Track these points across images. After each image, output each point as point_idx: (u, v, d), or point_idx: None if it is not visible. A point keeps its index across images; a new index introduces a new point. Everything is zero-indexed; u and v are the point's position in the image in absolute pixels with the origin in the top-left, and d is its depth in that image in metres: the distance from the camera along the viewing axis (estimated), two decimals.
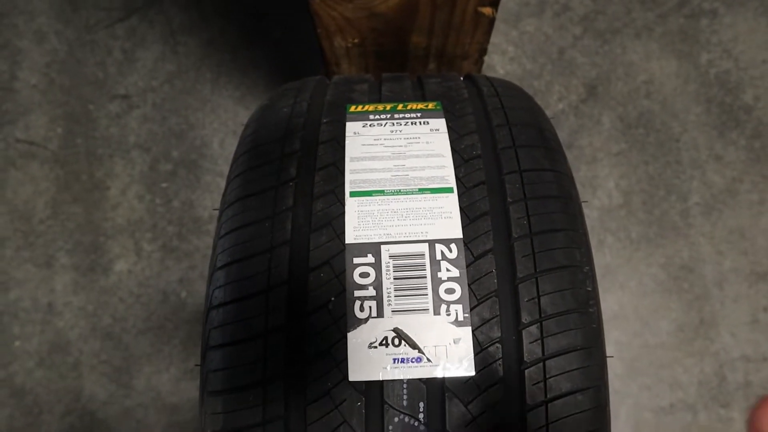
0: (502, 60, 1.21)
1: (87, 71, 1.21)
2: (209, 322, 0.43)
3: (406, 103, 0.52)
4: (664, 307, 1.08)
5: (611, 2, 1.24)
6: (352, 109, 0.51)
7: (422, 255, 0.42)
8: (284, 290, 0.41)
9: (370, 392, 0.39)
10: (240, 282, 0.42)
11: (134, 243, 1.12)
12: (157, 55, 1.22)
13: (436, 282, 0.41)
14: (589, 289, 0.42)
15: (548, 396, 0.39)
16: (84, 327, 1.09)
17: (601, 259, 1.10)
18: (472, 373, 0.39)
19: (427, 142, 0.48)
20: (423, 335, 0.40)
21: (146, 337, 1.08)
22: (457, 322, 0.40)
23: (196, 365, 0.42)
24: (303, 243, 0.43)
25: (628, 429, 1.04)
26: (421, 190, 0.45)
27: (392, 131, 0.49)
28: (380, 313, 0.40)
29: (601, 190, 1.14)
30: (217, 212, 0.49)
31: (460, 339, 0.39)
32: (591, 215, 1.12)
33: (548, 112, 0.92)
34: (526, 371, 0.39)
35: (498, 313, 0.40)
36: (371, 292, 0.40)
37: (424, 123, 0.50)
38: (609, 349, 1.01)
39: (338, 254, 0.42)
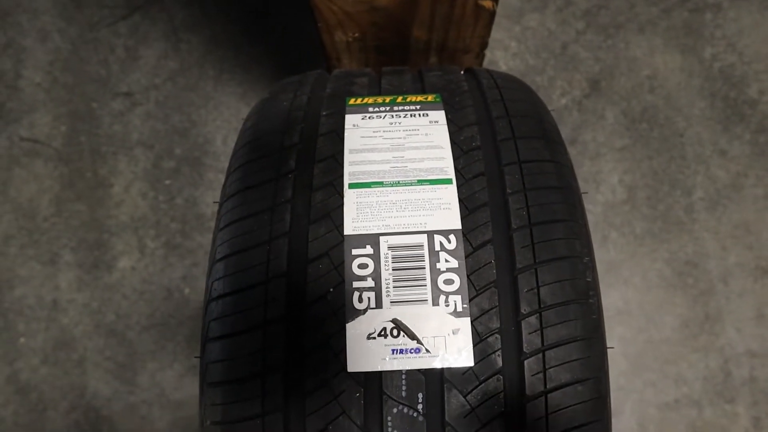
0: (504, 56, 1.21)
1: (90, 69, 1.22)
2: (209, 313, 0.43)
3: (406, 96, 0.52)
4: (668, 303, 1.08)
5: None
6: (352, 101, 0.51)
7: (421, 246, 0.41)
8: (283, 282, 0.41)
9: (368, 383, 0.39)
10: (239, 273, 0.42)
11: (138, 240, 1.12)
12: (159, 53, 1.22)
13: (435, 273, 0.41)
14: (589, 279, 0.42)
15: (548, 387, 0.39)
16: (88, 324, 1.09)
17: (605, 255, 1.10)
18: (471, 363, 0.39)
19: (426, 134, 0.48)
20: (422, 326, 0.39)
21: (150, 334, 1.08)
22: (456, 313, 0.40)
23: (196, 357, 0.43)
24: (302, 234, 0.43)
25: (632, 425, 1.04)
26: (420, 182, 0.45)
27: (391, 123, 0.49)
28: (379, 304, 0.40)
29: (604, 185, 1.13)
30: (218, 205, 0.49)
31: (459, 330, 0.39)
32: (595, 210, 1.12)
33: (551, 108, 0.92)
34: (526, 362, 0.39)
35: (497, 303, 0.40)
36: (370, 283, 0.40)
37: (423, 115, 0.50)
38: (613, 345, 1.01)
39: (337, 245, 0.42)
